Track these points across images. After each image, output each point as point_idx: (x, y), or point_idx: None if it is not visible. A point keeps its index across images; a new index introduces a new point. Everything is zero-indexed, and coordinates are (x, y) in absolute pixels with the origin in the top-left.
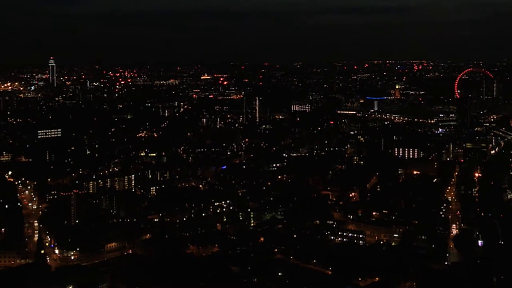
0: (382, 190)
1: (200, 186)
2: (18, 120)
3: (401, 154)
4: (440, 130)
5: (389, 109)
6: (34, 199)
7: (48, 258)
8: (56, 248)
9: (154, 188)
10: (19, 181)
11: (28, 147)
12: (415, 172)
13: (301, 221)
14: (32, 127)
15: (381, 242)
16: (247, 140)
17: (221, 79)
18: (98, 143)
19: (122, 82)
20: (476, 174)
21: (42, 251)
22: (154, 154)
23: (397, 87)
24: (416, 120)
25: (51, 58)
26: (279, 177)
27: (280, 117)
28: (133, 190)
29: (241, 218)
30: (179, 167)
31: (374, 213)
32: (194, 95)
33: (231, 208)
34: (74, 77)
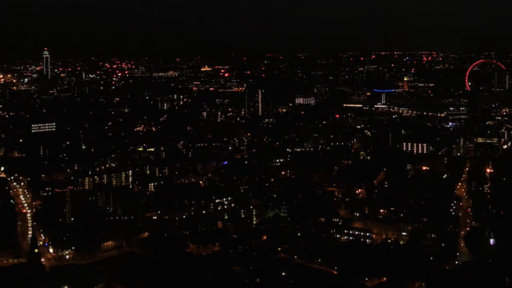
0: (390, 186)
1: (201, 182)
2: (11, 113)
3: (409, 149)
4: (450, 124)
5: (397, 102)
6: (28, 196)
7: (42, 258)
8: (50, 247)
9: (152, 184)
10: (12, 177)
11: (21, 142)
12: (424, 168)
13: (306, 219)
14: (26, 121)
15: (389, 241)
16: (249, 134)
17: (222, 71)
18: (94, 138)
19: (119, 74)
20: (488, 170)
21: (36, 250)
22: (153, 149)
23: (405, 79)
24: (425, 113)
25: (45, 49)
26: (283, 173)
27: (284, 110)
28: (130, 186)
29: (243, 216)
30: (179, 163)
31: (381, 211)
32: (194, 88)
33: (232, 205)
34: (69, 69)
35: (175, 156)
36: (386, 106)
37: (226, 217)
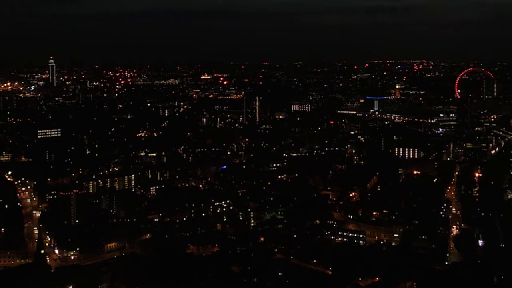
0: (382, 190)
1: (200, 186)
2: (18, 120)
3: (401, 154)
4: (440, 130)
5: (389, 109)
6: (34, 199)
7: (48, 258)
8: (56, 248)
9: (154, 188)
10: (19, 181)
11: (28, 147)
12: (415, 172)
13: (301, 221)
14: (32, 127)
15: (382, 242)
16: (247, 140)
17: (221, 78)
18: (98, 143)
19: (122, 82)
20: (477, 174)
21: (42, 251)
22: (154, 154)
23: (397, 86)
24: (416, 120)
25: (51, 58)
26: (279, 177)
27: (280, 117)
28: (133, 190)
29: (241, 218)
30: (179, 167)
31: (374, 213)
32: (194, 95)
33: (231, 208)
34: (74, 77)
35: (175, 161)
36: (378, 112)
37: (224, 219)
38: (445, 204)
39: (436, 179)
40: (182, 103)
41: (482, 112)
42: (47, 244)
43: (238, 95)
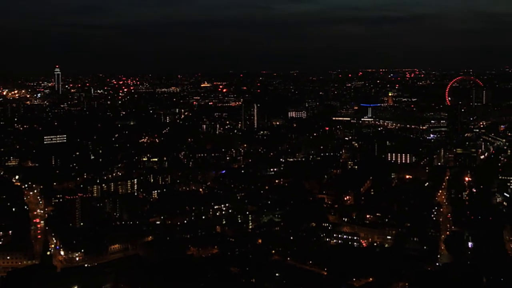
0: (376, 193)
1: (200, 190)
2: (25, 126)
3: (394, 159)
4: (431, 136)
5: (383, 115)
6: (40, 202)
7: (53, 259)
8: (61, 249)
9: (156, 191)
10: (26, 185)
11: (35, 152)
12: (407, 177)
13: (298, 224)
14: (38, 133)
15: (375, 244)
16: (245, 145)
17: (221, 86)
18: (102, 149)
19: (125, 90)
20: (466, 178)
21: (48, 253)
22: (156, 159)
23: (390, 94)
24: (408, 126)
25: (57, 66)
26: (277, 181)
27: (277, 123)
28: (135, 193)
29: (239, 221)
30: (180, 172)
31: (368, 216)
32: (195, 102)
33: (230, 211)
34: (79, 85)
35: (176, 166)
36: (372, 119)
37: (224, 222)
38: (436, 207)
39: (427, 183)
40: (183, 110)
41: (471, 118)
42: (53, 245)
43: (237, 102)
